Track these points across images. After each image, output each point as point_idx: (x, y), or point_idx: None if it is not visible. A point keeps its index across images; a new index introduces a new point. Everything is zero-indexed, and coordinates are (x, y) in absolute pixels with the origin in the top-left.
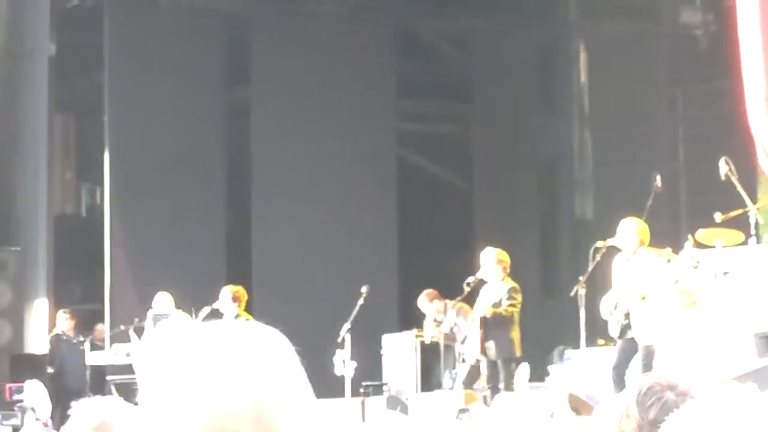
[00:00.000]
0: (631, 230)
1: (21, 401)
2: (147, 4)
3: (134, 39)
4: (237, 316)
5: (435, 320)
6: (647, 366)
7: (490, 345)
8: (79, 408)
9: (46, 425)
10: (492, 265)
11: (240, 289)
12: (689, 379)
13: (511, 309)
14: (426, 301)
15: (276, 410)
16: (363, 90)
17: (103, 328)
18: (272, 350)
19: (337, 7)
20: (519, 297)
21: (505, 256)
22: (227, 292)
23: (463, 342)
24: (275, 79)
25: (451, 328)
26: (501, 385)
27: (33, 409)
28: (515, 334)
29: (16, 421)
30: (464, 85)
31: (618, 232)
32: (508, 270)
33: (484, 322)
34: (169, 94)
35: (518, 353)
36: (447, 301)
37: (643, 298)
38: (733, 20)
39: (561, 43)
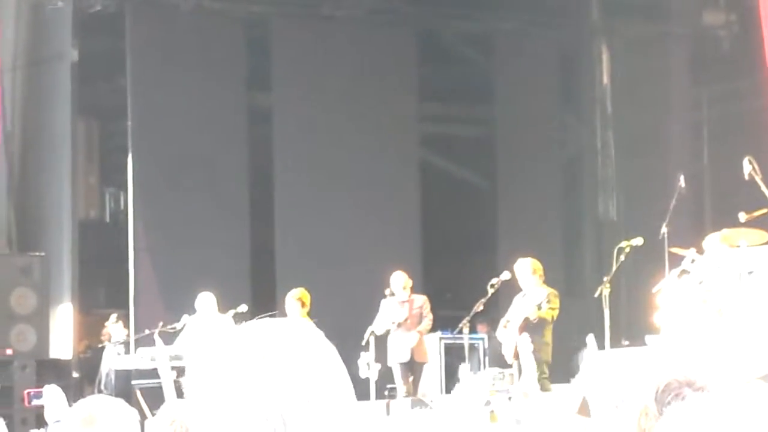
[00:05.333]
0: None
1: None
2: (168, 8)
3: (156, 43)
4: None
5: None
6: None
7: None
8: (75, 406)
9: None
10: (528, 275)
11: (304, 293)
12: (706, 375)
13: (552, 312)
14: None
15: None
16: (385, 93)
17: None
18: (315, 345)
19: (358, 11)
20: (558, 302)
21: (538, 265)
22: (292, 298)
23: None
24: (297, 83)
25: None
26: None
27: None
28: (549, 338)
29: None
30: (487, 87)
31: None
32: (543, 277)
33: (525, 326)
34: (192, 98)
35: (549, 357)
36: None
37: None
38: (756, 20)
39: (583, 44)
